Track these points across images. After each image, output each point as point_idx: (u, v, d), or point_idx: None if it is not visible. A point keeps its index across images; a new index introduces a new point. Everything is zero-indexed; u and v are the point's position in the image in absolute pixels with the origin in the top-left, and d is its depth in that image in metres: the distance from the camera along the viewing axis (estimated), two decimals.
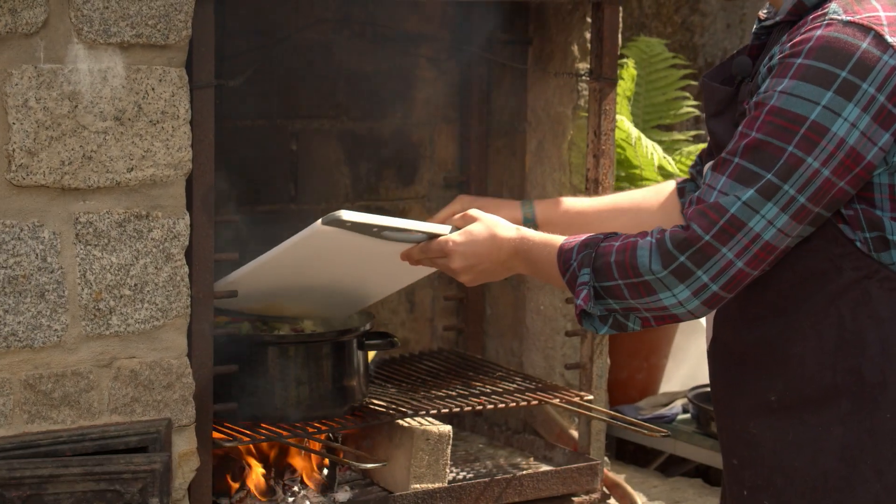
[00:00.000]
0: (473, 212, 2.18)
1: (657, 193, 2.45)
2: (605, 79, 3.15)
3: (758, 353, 2.01)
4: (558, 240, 2.04)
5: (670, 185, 2.45)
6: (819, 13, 1.91)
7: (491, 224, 2.15)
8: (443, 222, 2.32)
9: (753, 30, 2.11)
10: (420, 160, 3.60)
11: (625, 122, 3.71)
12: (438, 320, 3.67)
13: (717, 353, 2.10)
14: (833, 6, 1.91)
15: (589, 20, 3.32)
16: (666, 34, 4.33)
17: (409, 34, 3.50)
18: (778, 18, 1.99)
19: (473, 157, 3.60)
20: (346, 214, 2.22)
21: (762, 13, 2.13)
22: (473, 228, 2.15)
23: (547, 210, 2.51)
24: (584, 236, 2.00)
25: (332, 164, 3.48)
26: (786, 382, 1.98)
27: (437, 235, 2.20)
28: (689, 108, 4.04)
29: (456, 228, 2.19)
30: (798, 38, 1.88)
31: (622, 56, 3.89)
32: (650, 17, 4.36)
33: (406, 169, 3.58)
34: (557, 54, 3.42)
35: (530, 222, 2.55)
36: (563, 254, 1.99)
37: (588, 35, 3.34)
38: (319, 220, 2.23)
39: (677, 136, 4.11)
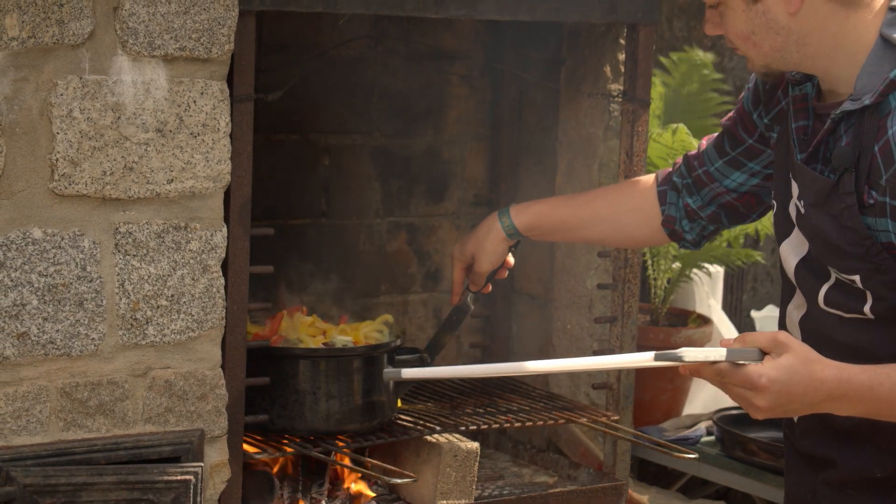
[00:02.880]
0: (784, 337, 1.90)
1: (638, 199, 2.47)
2: (638, 100, 3.17)
3: (865, 431, 2.03)
4: (894, 373, 1.90)
5: (649, 190, 2.46)
6: None
7: (807, 359, 1.89)
8: None
9: (813, 108, 2.10)
10: (450, 178, 3.62)
11: (684, 129, 3.68)
12: (464, 337, 3.68)
13: (812, 427, 2.13)
14: None
15: (622, 42, 3.33)
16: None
17: (442, 52, 3.52)
18: (867, 101, 1.97)
19: (504, 175, 3.61)
20: (658, 357, 1.92)
21: (794, 76, 2.12)
22: (790, 364, 1.88)
23: (527, 220, 2.58)
24: None
25: (364, 179, 3.50)
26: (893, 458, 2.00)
27: (738, 361, 1.89)
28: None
29: (761, 353, 1.90)
30: None
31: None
32: (681, 40, 4.38)
33: (436, 186, 3.60)
34: (590, 75, 3.43)
35: (515, 235, 2.60)
36: None
37: (621, 56, 3.35)
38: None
39: None
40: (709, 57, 4.01)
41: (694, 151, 2.45)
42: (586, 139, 3.47)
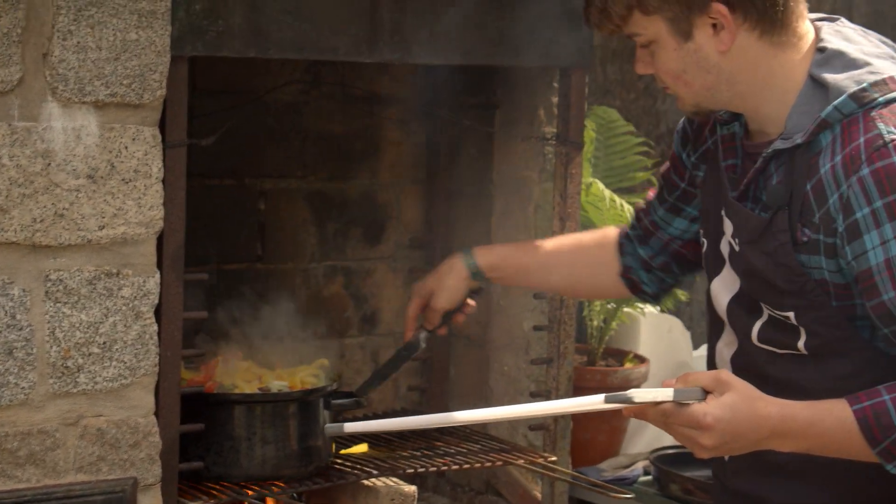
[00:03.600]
0: (727, 376, 1.93)
1: (598, 248, 2.48)
2: (571, 143, 3.20)
3: (798, 465, 2.05)
4: (837, 408, 1.92)
5: (611, 241, 2.48)
6: (867, 134, 1.94)
7: (750, 396, 1.91)
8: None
9: (742, 146, 2.12)
10: (387, 221, 3.62)
11: (599, 185, 3.76)
12: (402, 380, 3.68)
13: (743, 465, 2.14)
14: (881, 127, 1.94)
15: (555, 85, 3.37)
16: (629, 99, 4.40)
17: (377, 96, 3.54)
18: (799, 141, 2.00)
19: (440, 218, 3.63)
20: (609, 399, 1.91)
21: (721, 115, 2.15)
22: (733, 402, 1.89)
23: (490, 260, 2.56)
24: (884, 395, 1.91)
25: (299, 223, 3.50)
26: (833, 494, 2.03)
27: (684, 401, 1.91)
28: (644, 173, 4.09)
29: (704, 392, 1.91)
30: (875, 172, 1.92)
31: None
32: (614, 83, 4.43)
33: (373, 229, 3.61)
34: (524, 118, 3.46)
35: (478, 275, 2.58)
36: (874, 420, 1.90)
37: (555, 100, 3.39)
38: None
39: (636, 198, 4.16)
40: (613, 111, 4.11)
41: (642, 203, 2.47)
42: (521, 182, 3.49)
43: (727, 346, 2.17)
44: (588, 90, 3.28)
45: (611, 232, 2.52)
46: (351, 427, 2.03)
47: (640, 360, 4.00)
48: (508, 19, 3.01)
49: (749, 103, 2.07)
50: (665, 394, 1.89)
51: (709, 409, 1.88)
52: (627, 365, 3.96)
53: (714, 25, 2.02)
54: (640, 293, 2.48)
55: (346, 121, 3.51)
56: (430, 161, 3.64)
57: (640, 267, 2.45)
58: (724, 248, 2.14)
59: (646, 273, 2.45)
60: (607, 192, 3.77)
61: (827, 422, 1.91)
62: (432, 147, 3.63)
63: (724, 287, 2.15)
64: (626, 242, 2.46)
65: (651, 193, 2.46)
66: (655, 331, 4.21)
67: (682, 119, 2.32)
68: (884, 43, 2.08)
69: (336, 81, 3.47)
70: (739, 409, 1.89)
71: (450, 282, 2.60)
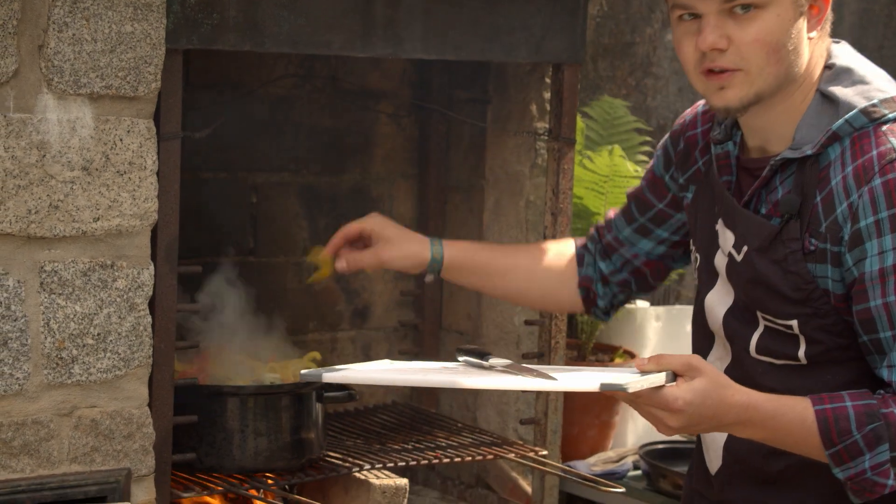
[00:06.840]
0: (698, 361, 1.96)
1: (558, 257, 2.48)
2: (563, 139, 3.22)
3: (792, 475, 2.09)
4: (800, 405, 1.97)
5: (570, 250, 2.49)
6: (880, 147, 1.98)
7: (719, 384, 1.96)
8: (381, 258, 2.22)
9: (738, 163, 2.14)
10: None
11: (618, 150, 3.72)
12: None
13: (734, 477, 2.17)
14: (893, 141, 1.98)
15: (547, 80, 3.38)
16: (620, 96, 4.41)
17: (370, 90, 3.55)
18: (808, 152, 2.02)
19: (431, 213, 3.64)
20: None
21: (716, 136, 2.17)
22: (703, 388, 1.94)
23: (454, 255, 2.47)
24: (846, 401, 1.97)
25: (291, 217, 3.51)
26: (819, 498, 2.05)
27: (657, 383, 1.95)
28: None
29: (673, 375, 1.96)
30: (886, 183, 1.95)
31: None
32: (605, 80, 4.44)
33: None
34: (516, 113, 3.48)
35: (437, 263, 2.47)
36: (833, 423, 1.95)
37: (546, 95, 3.40)
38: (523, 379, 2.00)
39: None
40: (620, 104, 4.10)
41: (602, 222, 2.49)
42: (513, 177, 3.51)
43: (719, 359, 2.20)
44: (579, 86, 3.29)
45: (569, 242, 2.53)
46: (330, 376, 2.02)
47: (631, 355, 4.01)
48: (501, 15, 3.03)
49: (774, 109, 2.07)
50: (655, 380, 1.93)
51: (679, 394, 1.92)
52: (618, 360, 3.97)
53: (812, 9, 2.02)
54: (593, 306, 2.48)
55: (339, 115, 3.53)
56: (421, 155, 3.66)
57: (599, 279, 2.47)
58: (720, 262, 2.17)
59: (603, 287, 2.47)
60: (629, 164, 3.75)
61: (788, 416, 1.96)
62: (424, 141, 3.65)
63: (719, 300, 2.18)
64: (586, 254, 2.48)
65: (611, 213, 2.47)
66: (642, 324, 4.23)
67: (663, 141, 2.35)
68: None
69: (329, 76, 3.48)
70: (709, 395, 1.93)
71: (411, 248, 2.46)
